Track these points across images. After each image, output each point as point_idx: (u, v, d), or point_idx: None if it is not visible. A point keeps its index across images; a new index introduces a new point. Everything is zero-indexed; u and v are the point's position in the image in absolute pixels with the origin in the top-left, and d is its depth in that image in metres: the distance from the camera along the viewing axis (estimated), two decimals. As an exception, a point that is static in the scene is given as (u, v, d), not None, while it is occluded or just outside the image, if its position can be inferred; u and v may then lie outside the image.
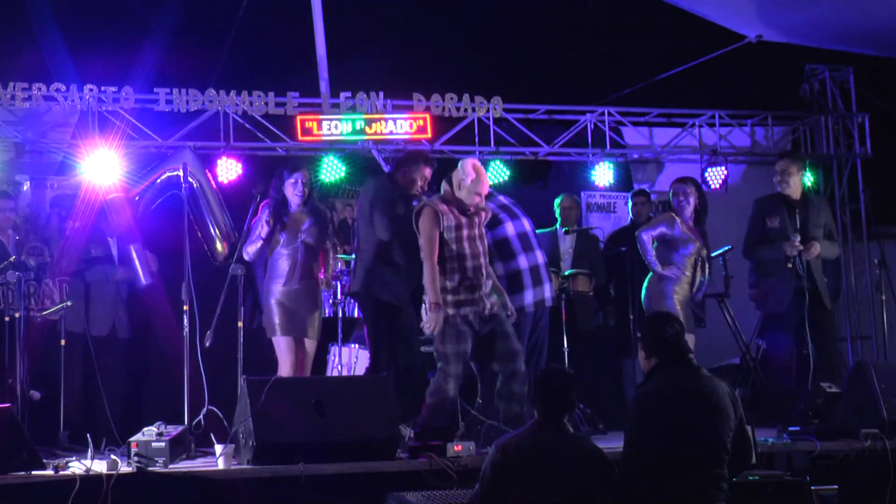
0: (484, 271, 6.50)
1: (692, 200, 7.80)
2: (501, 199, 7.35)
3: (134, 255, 7.68)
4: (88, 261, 7.64)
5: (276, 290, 7.09)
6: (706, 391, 4.97)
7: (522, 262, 7.08)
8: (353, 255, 8.20)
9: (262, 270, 7.42)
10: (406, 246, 6.92)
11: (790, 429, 6.77)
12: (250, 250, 7.11)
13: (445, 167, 9.60)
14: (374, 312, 7.06)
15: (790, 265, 7.55)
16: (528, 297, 7.06)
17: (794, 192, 7.74)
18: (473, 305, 6.42)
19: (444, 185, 6.65)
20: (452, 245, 6.43)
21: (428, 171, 7.11)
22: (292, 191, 7.17)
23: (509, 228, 7.15)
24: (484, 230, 6.66)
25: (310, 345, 7.21)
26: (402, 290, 7.00)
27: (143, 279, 7.69)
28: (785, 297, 7.66)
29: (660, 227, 7.69)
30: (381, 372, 6.91)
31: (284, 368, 7.06)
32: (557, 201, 8.93)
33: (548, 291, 7.15)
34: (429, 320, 6.40)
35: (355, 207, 9.91)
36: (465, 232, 6.48)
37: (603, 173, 9.76)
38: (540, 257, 7.20)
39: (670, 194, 7.95)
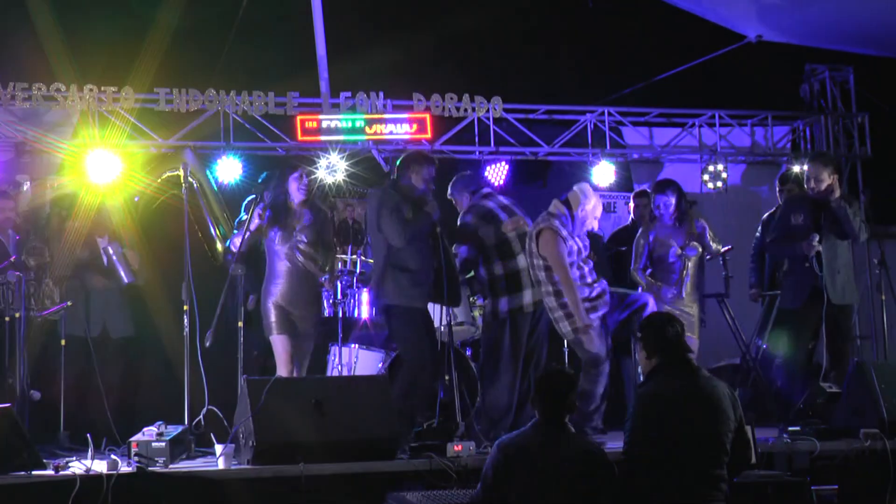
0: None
1: (672, 210, 7.82)
2: (501, 199, 7.35)
3: (112, 254, 7.61)
4: (76, 264, 7.56)
5: (275, 291, 7.06)
6: (706, 392, 4.97)
7: (522, 261, 7.07)
8: (353, 256, 8.24)
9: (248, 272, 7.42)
10: (418, 251, 6.89)
11: (790, 429, 6.77)
12: (237, 241, 7.06)
13: (446, 167, 9.68)
14: (396, 320, 6.99)
15: (807, 264, 7.50)
16: (527, 296, 7.06)
17: (825, 193, 7.63)
18: (599, 310, 6.90)
19: (557, 205, 6.91)
20: (574, 269, 6.83)
21: (430, 171, 7.05)
22: (296, 186, 7.12)
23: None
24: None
25: (307, 344, 7.18)
26: (418, 295, 6.90)
27: (124, 278, 7.63)
28: (801, 294, 7.62)
29: (644, 253, 7.81)
30: (415, 376, 6.86)
31: (282, 368, 7.03)
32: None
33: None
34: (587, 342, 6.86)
35: (363, 215, 9.97)
36: (576, 257, 6.86)
37: (603, 173, 9.76)
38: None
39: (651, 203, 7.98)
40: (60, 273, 7.53)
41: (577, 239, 6.90)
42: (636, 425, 4.97)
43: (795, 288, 7.62)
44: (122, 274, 7.59)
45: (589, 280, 6.90)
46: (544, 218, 6.85)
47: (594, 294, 6.89)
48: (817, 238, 7.41)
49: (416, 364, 6.86)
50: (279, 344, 7.00)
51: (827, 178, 7.53)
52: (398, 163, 7.22)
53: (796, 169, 7.87)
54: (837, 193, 7.54)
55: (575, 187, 7.06)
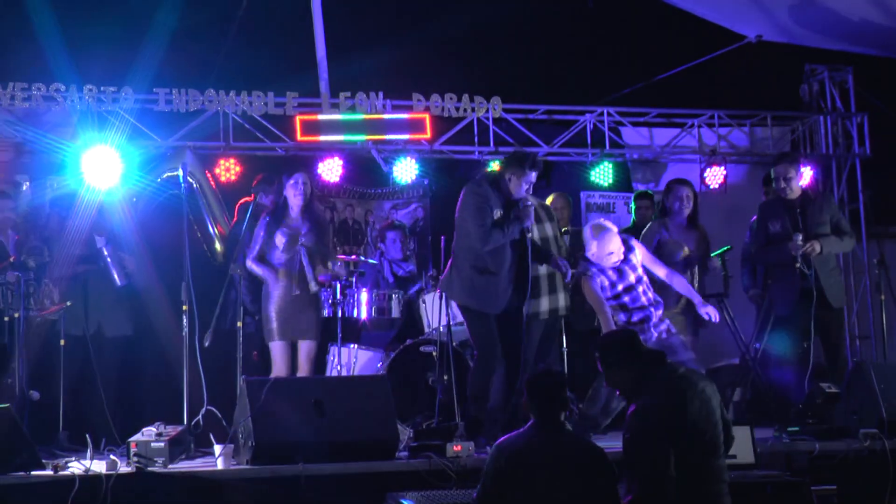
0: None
1: (691, 203, 7.87)
2: (529, 200, 7.34)
3: (107, 255, 7.59)
4: (76, 261, 7.55)
5: (276, 296, 7.10)
6: (699, 391, 4.98)
7: (542, 267, 7.04)
8: (352, 256, 8.25)
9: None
10: (500, 255, 6.79)
11: (790, 429, 6.78)
12: (258, 257, 7.16)
13: (444, 167, 9.68)
14: (469, 320, 6.95)
15: (797, 265, 7.49)
16: (544, 304, 7.04)
17: (794, 192, 7.69)
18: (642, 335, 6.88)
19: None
20: (614, 303, 6.98)
21: (533, 175, 6.84)
22: (293, 192, 7.19)
23: (533, 231, 7.13)
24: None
25: (309, 345, 7.21)
26: (492, 300, 6.80)
27: (118, 280, 7.61)
28: (790, 298, 7.61)
29: (654, 242, 7.85)
30: (484, 379, 6.84)
31: (278, 373, 7.09)
32: (548, 201, 8.91)
33: (562, 301, 7.11)
34: None
35: (363, 214, 9.96)
36: (609, 291, 6.94)
37: (602, 173, 9.76)
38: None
39: (667, 195, 7.98)
40: (60, 273, 7.53)
41: (607, 274, 6.97)
42: (652, 441, 4.88)
43: (784, 293, 7.63)
44: (116, 276, 7.56)
45: (629, 307, 6.99)
46: (581, 264, 7.05)
47: (635, 319, 6.97)
48: (801, 237, 7.41)
49: (483, 366, 6.82)
50: (277, 350, 7.08)
51: (795, 176, 7.59)
52: (502, 161, 7.14)
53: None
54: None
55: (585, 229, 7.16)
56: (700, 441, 4.89)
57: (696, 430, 4.89)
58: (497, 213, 6.76)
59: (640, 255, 7.12)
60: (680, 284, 7.21)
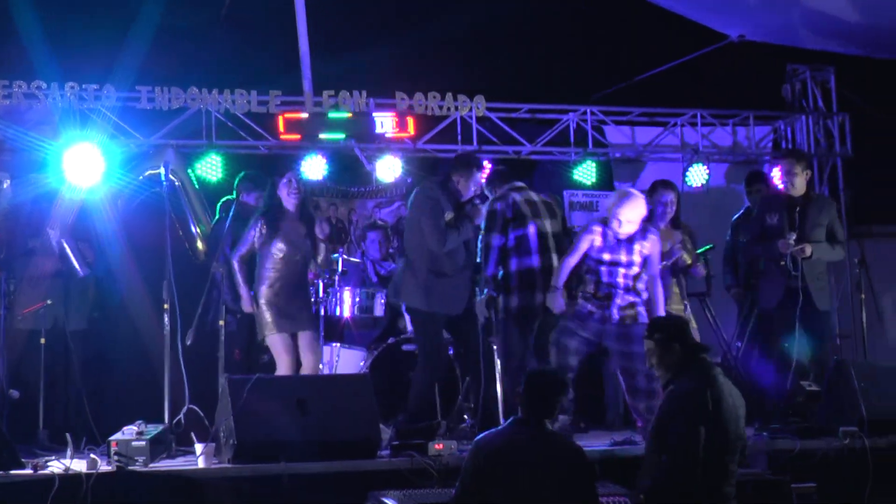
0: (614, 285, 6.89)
1: (674, 209, 7.88)
2: (532, 195, 7.34)
3: (66, 247, 7.55)
4: (27, 253, 7.51)
5: (268, 293, 7.08)
6: (730, 393, 5.06)
7: (535, 261, 7.05)
8: (335, 255, 8.23)
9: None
10: (456, 257, 6.87)
11: (770, 427, 6.80)
12: (245, 256, 7.15)
13: (427, 166, 9.65)
14: (417, 324, 7.01)
15: (783, 262, 7.49)
16: (538, 298, 7.05)
17: (798, 190, 7.65)
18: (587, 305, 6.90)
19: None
20: (591, 264, 6.89)
21: (480, 175, 7.02)
22: (286, 191, 7.17)
23: (530, 227, 7.13)
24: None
25: (310, 337, 7.16)
26: (445, 302, 6.90)
27: (79, 271, 7.56)
28: (775, 294, 7.62)
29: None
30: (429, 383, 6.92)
31: (283, 367, 7.03)
32: None
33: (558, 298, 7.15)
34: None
35: (347, 214, 9.97)
36: (596, 254, 6.87)
37: (586, 172, 9.78)
38: (555, 262, 7.16)
39: (650, 197, 7.98)
40: (40, 271, 7.49)
41: (607, 238, 6.88)
42: (684, 422, 4.96)
43: (770, 289, 7.64)
44: (77, 267, 7.50)
45: (601, 279, 6.89)
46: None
47: (601, 293, 6.89)
48: (794, 237, 7.41)
49: (429, 371, 6.91)
50: (278, 343, 7.01)
51: (800, 173, 7.57)
52: (449, 164, 7.20)
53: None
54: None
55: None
56: (724, 439, 4.97)
57: (724, 426, 4.95)
58: (448, 216, 6.84)
59: (649, 248, 6.98)
60: (656, 294, 7.06)
